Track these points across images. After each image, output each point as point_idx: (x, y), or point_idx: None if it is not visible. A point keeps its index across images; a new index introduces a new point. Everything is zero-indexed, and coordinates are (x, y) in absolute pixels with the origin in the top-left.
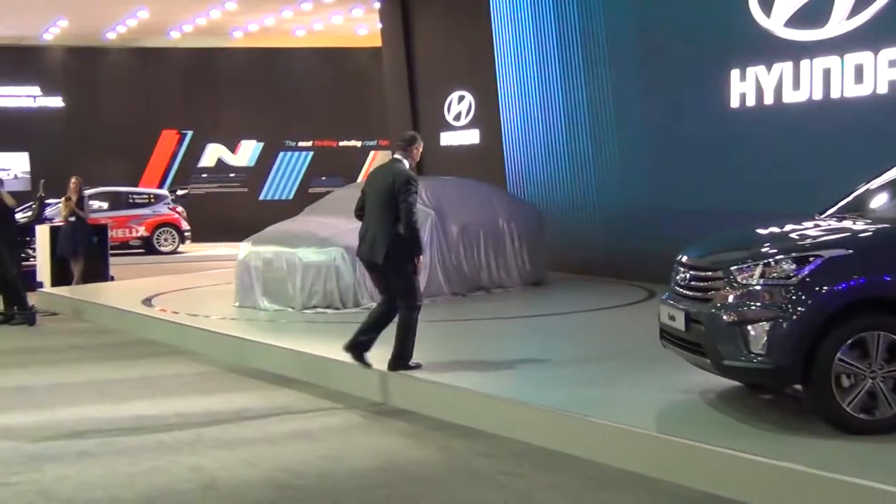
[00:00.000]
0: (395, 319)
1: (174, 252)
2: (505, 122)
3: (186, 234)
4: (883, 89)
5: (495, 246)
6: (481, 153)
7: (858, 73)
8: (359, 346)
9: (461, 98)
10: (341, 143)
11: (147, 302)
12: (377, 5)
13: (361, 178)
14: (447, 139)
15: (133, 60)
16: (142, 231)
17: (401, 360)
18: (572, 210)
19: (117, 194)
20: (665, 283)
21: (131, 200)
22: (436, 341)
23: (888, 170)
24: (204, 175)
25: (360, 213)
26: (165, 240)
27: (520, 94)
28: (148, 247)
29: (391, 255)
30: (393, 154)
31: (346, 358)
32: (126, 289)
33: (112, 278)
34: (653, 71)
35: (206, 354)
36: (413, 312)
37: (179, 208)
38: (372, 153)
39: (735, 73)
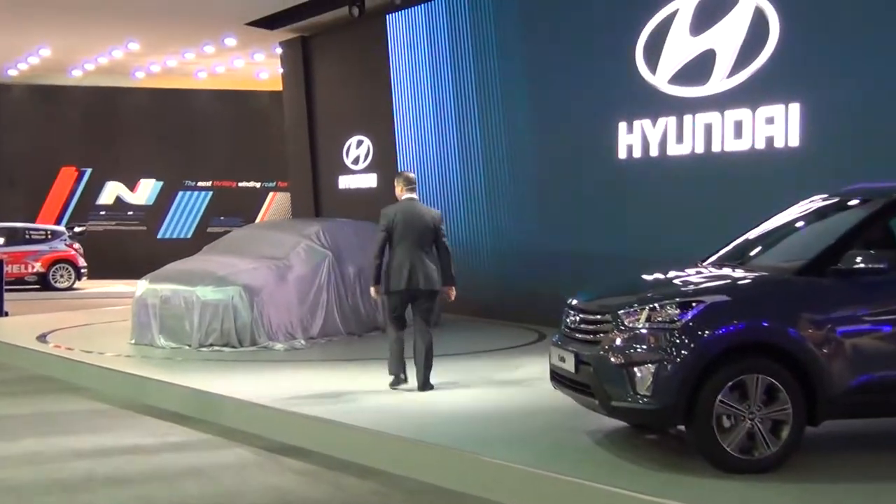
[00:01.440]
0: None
1: (70, 288)
2: (402, 167)
3: (83, 270)
4: (760, 144)
5: None
6: (378, 197)
7: (738, 128)
8: (402, 371)
9: (360, 142)
10: (240, 184)
11: (42, 338)
12: (278, 51)
13: (260, 218)
14: (345, 182)
15: (34, 97)
16: (38, 267)
17: (429, 379)
18: (467, 253)
19: (14, 230)
20: (556, 325)
21: (28, 236)
22: (329, 379)
23: (765, 221)
24: (102, 212)
25: (383, 253)
26: (61, 276)
27: (416, 140)
28: (44, 283)
29: (437, 283)
30: (404, 194)
31: (241, 395)
32: (20, 324)
33: (6, 313)
34: (545, 121)
35: (101, 391)
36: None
37: (76, 245)
38: (271, 194)
39: (622, 126)
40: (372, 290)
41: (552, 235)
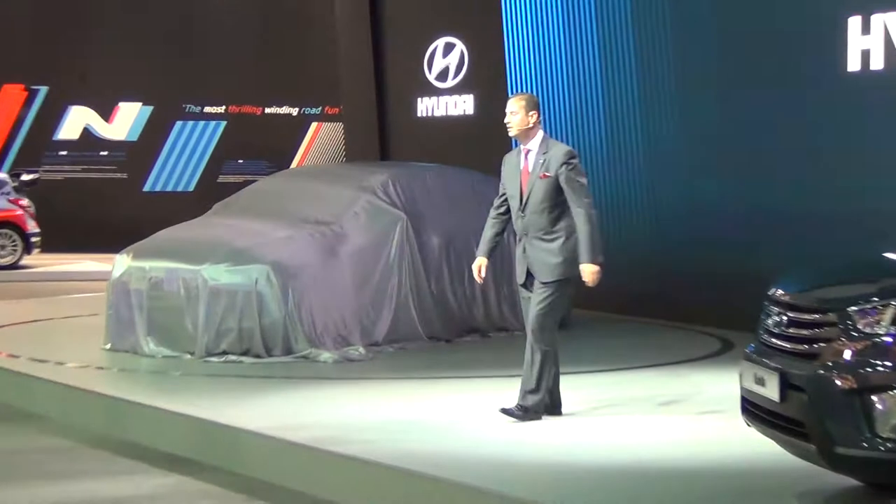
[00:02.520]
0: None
1: (16, 266)
2: (514, 84)
3: (34, 239)
4: None
5: (497, 268)
6: (478, 129)
7: None
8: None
9: (449, 48)
10: (268, 111)
11: None
12: None
13: (298, 162)
14: (427, 107)
15: None
16: None
17: None
18: (613, 218)
19: None
20: (750, 329)
21: None
22: (404, 406)
23: None
24: (63, 152)
25: None
26: (3, 247)
27: (537, 44)
28: None
29: None
30: (539, 128)
31: (270, 430)
32: None
33: None
34: (735, 16)
35: (61, 420)
36: None
37: (25, 201)
38: (314, 126)
39: (854, 23)
40: (593, 271)
41: (742, 191)
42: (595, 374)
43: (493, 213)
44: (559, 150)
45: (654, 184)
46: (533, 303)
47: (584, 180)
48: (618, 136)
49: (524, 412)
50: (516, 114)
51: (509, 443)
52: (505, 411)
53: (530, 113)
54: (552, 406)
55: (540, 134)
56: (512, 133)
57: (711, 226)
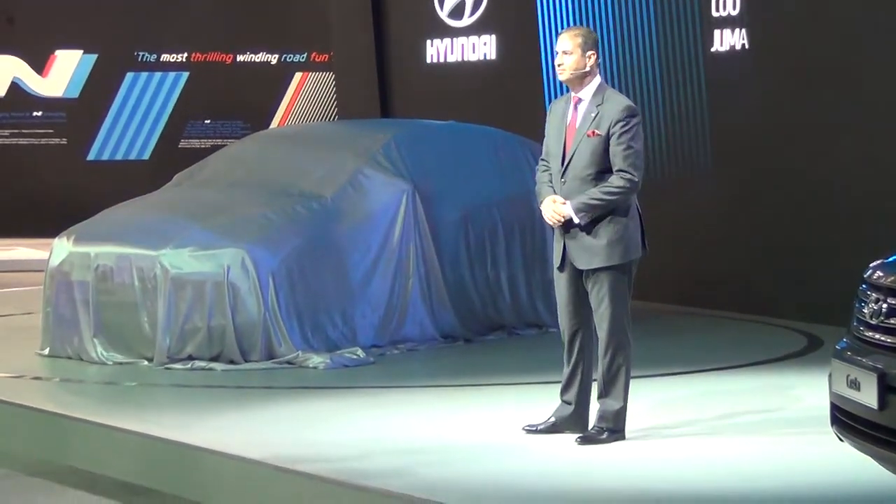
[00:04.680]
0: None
1: None
2: (548, 22)
3: None
4: None
5: (526, 250)
6: (502, 78)
7: None
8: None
9: None
10: (241, 59)
11: None
12: None
13: (279, 122)
14: (438, 52)
15: None
16: None
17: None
18: (674, 189)
19: None
20: (842, 322)
21: None
22: (420, 423)
23: None
24: None
25: None
26: None
27: None
28: None
29: None
30: (598, 70)
31: (251, 452)
32: None
33: None
34: None
35: None
36: None
37: None
38: (298, 76)
39: None
40: (562, 211)
41: (832, 157)
42: (659, 378)
43: (538, 177)
44: (617, 103)
45: (725, 147)
46: (593, 302)
47: (638, 146)
48: (679, 89)
49: (611, 433)
50: (570, 53)
51: (552, 469)
52: (585, 439)
53: (588, 53)
54: (577, 422)
55: (597, 80)
56: (563, 77)
57: (794, 198)
